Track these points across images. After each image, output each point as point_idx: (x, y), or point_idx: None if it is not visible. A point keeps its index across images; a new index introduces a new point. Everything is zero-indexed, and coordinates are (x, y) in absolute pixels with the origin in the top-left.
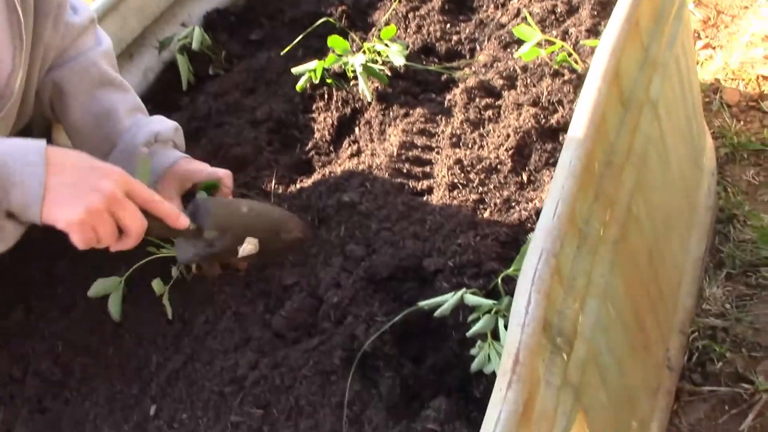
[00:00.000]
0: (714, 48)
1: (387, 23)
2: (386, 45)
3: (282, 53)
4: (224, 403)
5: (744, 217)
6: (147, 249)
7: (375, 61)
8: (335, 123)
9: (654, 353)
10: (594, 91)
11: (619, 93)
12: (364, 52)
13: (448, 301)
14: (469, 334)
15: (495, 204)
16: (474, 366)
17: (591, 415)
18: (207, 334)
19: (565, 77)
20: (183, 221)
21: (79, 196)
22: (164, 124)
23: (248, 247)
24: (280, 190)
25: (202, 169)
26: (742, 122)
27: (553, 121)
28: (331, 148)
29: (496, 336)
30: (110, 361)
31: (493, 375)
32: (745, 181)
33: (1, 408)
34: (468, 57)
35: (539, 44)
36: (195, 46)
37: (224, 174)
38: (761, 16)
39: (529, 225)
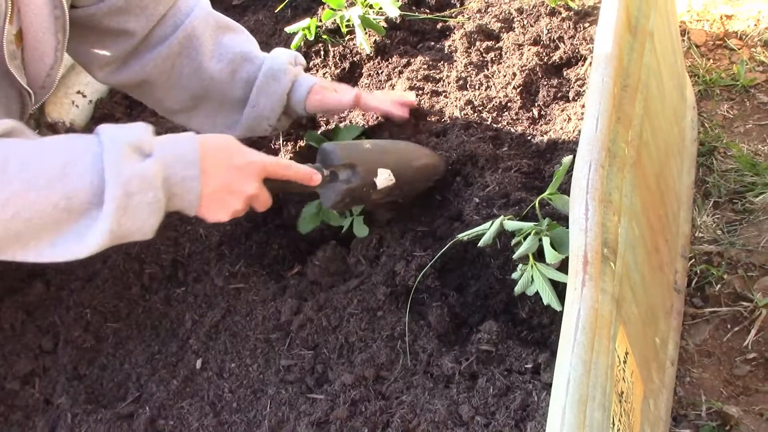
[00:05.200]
0: None
1: None
2: None
3: (276, 10)
4: (272, 349)
5: (723, 148)
6: None
7: (368, 15)
8: (335, 79)
9: (666, 274)
10: (611, 17)
11: (627, 22)
12: (355, 4)
13: (488, 230)
14: (515, 256)
15: (511, 139)
16: (518, 288)
17: (628, 328)
18: (239, 290)
19: (563, 14)
20: (316, 178)
21: (226, 202)
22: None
23: (383, 177)
24: (289, 147)
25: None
26: (711, 60)
27: (555, 57)
28: None
29: (537, 258)
30: (142, 323)
31: (537, 296)
32: (720, 116)
33: (36, 380)
34: (458, 5)
35: None
36: None
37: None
38: None
39: (548, 156)
